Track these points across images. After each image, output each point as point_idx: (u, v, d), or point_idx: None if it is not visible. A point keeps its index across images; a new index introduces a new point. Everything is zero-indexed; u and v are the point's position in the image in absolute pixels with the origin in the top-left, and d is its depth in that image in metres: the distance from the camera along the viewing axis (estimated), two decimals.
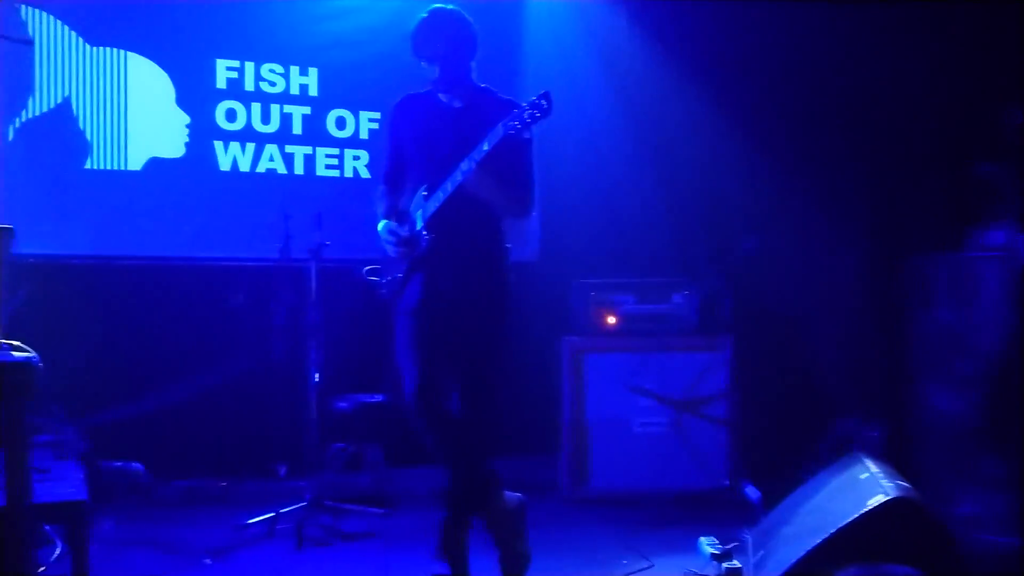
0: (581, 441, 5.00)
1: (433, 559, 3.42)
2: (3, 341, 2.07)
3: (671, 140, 5.89)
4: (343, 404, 4.97)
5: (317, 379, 4.66)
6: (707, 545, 3.76)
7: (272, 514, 4.33)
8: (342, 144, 5.80)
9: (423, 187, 3.45)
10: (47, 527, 3.36)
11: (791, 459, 4.70)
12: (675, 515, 4.66)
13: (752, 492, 4.77)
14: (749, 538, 3.79)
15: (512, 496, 3.47)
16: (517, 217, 3.58)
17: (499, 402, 3.59)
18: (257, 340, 5.32)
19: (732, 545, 3.75)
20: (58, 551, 3.15)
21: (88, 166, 5.25)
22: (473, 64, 3.51)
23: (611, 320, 5.20)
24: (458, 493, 3.42)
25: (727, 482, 4.98)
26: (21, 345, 2.09)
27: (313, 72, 5.73)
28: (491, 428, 3.53)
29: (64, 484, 3.51)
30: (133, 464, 4.87)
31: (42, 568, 3.20)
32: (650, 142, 5.91)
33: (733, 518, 4.34)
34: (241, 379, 5.30)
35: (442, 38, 3.42)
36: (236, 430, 5.26)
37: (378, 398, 5.02)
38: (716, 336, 5.12)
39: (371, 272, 3.65)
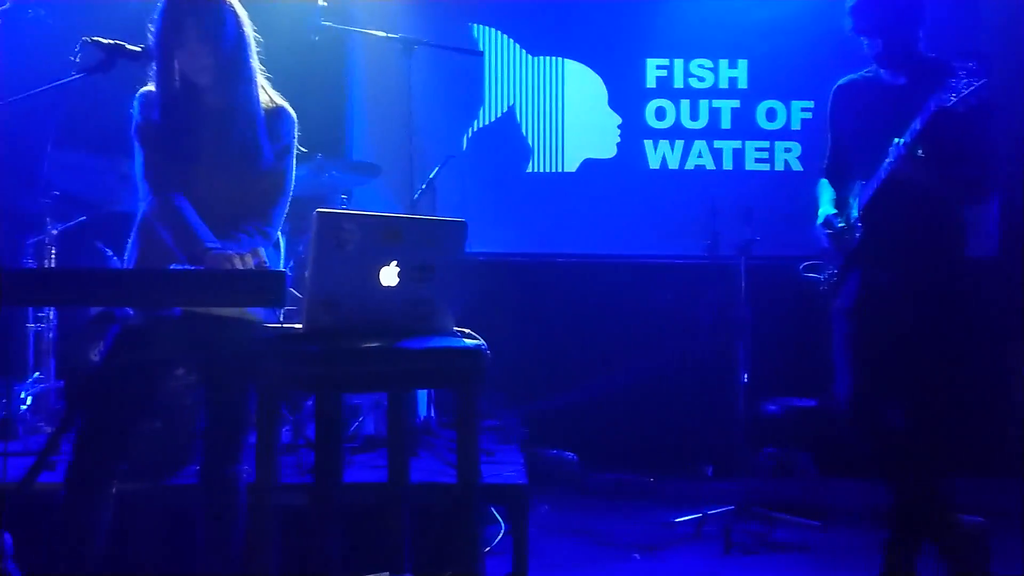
0: None
1: None
2: (456, 329, 2.20)
3: None
4: (773, 407, 4.76)
5: (745, 380, 4.51)
6: None
7: (699, 515, 4.25)
8: (772, 136, 5.59)
9: (862, 175, 3.16)
10: (493, 508, 3.57)
11: None
12: None
13: None
14: None
15: (971, 520, 3.04)
16: (971, 202, 3.14)
17: (949, 414, 3.19)
18: (684, 338, 5.30)
19: None
20: (503, 531, 3.34)
21: (529, 169, 5.60)
22: (921, 33, 3.14)
23: None
24: (905, 512, 3.08)
25: None
26: (471, 333, 2.21)
27: (743, 64, 5.59)
28: (940, 442, 3.14)
29: (507, 468, 3.73)
30: (566, 453, 5.08)
31: (486, 548, 3.40)
32: None
33: None
34: (668, 376, 5.32)
35: (886, 7, 3.10)
36: (663, 427, 5.29)
37: (810, 403, 4.74)
38: None
39: (808, 269, 3.41)
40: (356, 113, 5.53)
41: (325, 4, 4.22)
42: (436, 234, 2.18)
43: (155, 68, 2.48)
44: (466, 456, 2.12)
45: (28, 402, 4.30)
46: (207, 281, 2.07)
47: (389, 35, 4.19)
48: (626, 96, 5.60)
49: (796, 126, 5.58)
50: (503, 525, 3.33)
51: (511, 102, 5.61)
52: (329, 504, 1.94)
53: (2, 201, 4.33)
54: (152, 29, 2.48)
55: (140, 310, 2.09)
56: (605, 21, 5.56)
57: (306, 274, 2.03)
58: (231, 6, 2.51)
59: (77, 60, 2.30)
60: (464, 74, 5.53)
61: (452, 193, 4.93)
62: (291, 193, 2.64)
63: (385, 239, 2.10)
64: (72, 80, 2.26)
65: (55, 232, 4.27)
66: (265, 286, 2.03)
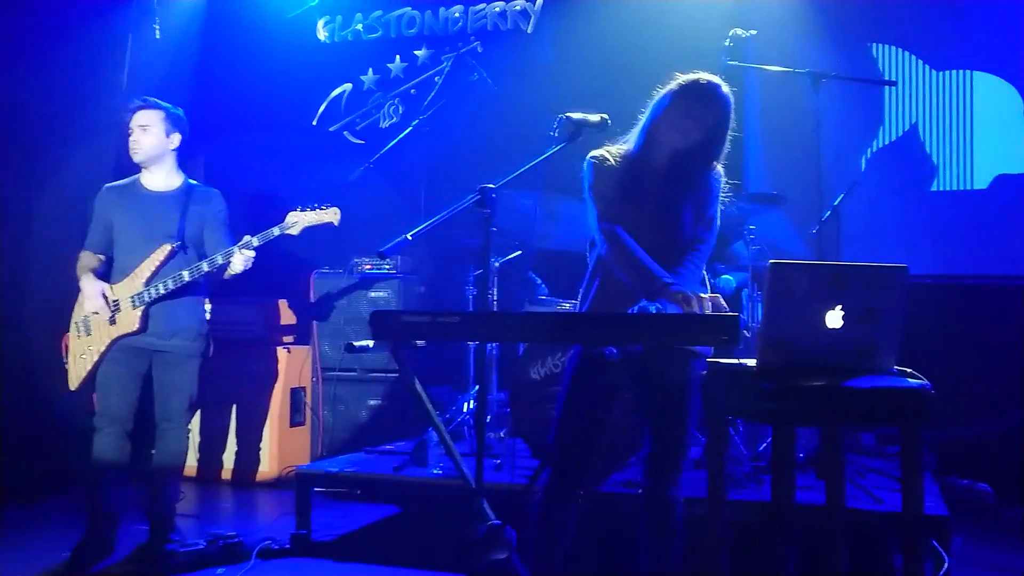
0: None
1: None
2: (898, 368, 2.32)
3: None
4: None
5: None
6: None
7: None
8: None
9: None
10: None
11: None
12: None
13: None
14: None
15: None
16: None
17: None
18: None
19: None
20: (947, 566, 3.34)
21: (934, 188, 5.43)
22: None
23: None
24: None
25: None
26: (913, 372, 2.32)
27: None
28: None
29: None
30: (979, 484, 4.86)
31: None
32: None
33: None
34: None
35: None
36: None
37: None
38: None
39: None
40: (751, 145, 5.70)
41: (730, 44, 4.46)
42: (879, 279, 2.31)
43: (639, 137, 2.87)
44: (911, 492, 2.23)
45: (470, 409, 5.00)
46: (671, 323, 2.38)
47: (797, 70, 4.32)
48: None
49: None
50: (947, 559, 3.33)
51: (913, 120, 5.48)
52: (784, 525, 2.16)
53: (453, 239, 5.06)
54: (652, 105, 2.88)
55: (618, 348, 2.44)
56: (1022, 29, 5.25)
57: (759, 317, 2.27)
58: (727, 102, 2.84)
59: (556, 134, 2.73)
60: (863, 96, 5.49)
61: (854, 217, 4.94)
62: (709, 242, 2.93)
63: (831, 285, 2.28)
64: (558, 149, 2.69)
65: (496, 264, 4.92)
66: (720, 328, 2.29)
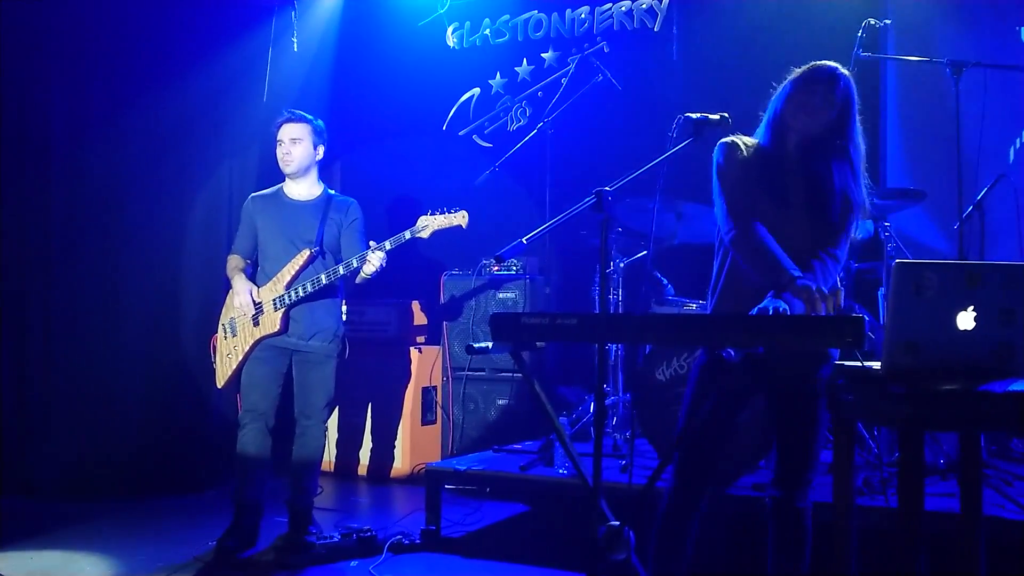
0: None
1: None
2: None
3: None
4: None
5: None
6: None
7: None
8: None
9: None
10: None
11: None
12: None
13: None
14: None
15: None
16: None
17: None
18: None
19: None
20: None
21: None
22: None
23: None
24: None
25: None
26: None
27: None
28: None
29: None
30: None
31: None
32: None
33: None
34: None
35: None
36: None
37: None
38: None
39: None
40: (889, 138, 5.48)
41: (864, 35, 4.31)
42: (1015, 278, 2.21)
43: (767, 130, 2.86)
44: None
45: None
46: (792, 324, 2.33)
47: (936, 60, 4.15)
48: None
49: None
50: None
51: None
52: (913, 532, 2.09)
53: (580, 240, 5.10)
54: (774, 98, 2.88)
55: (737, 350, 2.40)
56: None
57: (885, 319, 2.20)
58: (848, 83, 2.81)
59: (674, 135, 2.73)
60: (1011, 84, 5.19)
61: (1000, 212, 4.69)
62: (858, 215, 2.84)
63: (963, 285, 2.19)
64: (676, 150, 2.69)
65: (621, 265, 4.92)
66: (845, 330, 2.22)
